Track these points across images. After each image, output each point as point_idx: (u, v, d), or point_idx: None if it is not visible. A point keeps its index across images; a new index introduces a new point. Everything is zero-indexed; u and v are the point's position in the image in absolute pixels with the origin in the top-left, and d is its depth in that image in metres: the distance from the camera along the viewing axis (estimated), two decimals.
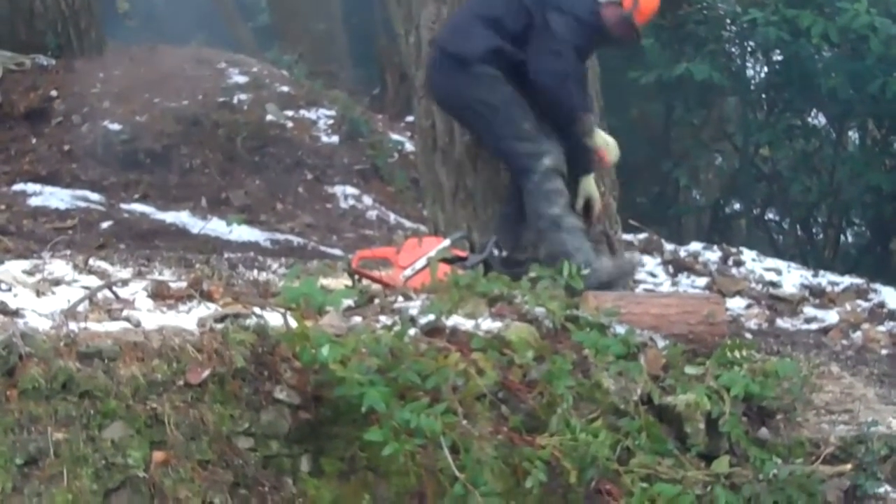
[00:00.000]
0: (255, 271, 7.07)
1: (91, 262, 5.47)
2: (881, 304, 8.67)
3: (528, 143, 6.50)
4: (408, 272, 6.24)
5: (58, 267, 5.23)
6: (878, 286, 9.15)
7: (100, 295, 4.79)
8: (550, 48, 6.40)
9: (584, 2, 6.53)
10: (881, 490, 5.05)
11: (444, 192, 7.18)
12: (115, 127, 10.90)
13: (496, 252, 6.52)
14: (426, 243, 6.40)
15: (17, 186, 10.00)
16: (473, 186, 7.04)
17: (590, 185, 6.85)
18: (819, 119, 14.48)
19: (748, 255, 10.00)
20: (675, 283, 9.17)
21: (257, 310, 4.76)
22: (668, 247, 10.15)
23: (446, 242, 6.42)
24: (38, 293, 4.76)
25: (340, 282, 5.97)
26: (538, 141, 6.50)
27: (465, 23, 6.69)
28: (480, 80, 6.55)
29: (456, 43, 6.65)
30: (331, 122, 12.12)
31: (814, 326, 8.28)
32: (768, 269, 9.62)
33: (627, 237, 9.23)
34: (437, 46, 6.79)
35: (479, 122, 6.72)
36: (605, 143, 6.60)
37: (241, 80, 11.85)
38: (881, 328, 8.12)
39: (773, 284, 9.25)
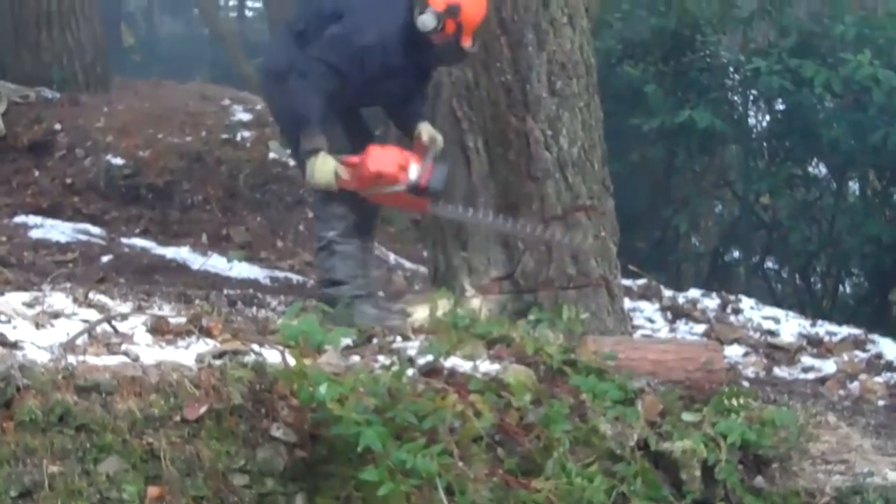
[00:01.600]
0: (255, 308, 7.07)
1: (91, 295, 5.48)
2: (879, 355, 8.65)
3: None
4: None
5: (58, 300, 5.24)
6: (876, 337, 9.14)
7: (99, 329, 4.80)
8: (309, 52, 6.36)
9: (365, 23, 6.45)
10: None
11: (445, 234, 7.20)
12: (118, 161, 10.89)
13: None
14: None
15: (19, 218, 9.99)
16: (472, 228, 7.05)
17: (429, 127, 6.73)
18: (820, 169, 14.48)
19: (747, 302, 9.99)
20: (673, 330, 9.16)
21: (256, 347, 4.77)
22: (667, 293, 10.14)
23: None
24: (38, 325, 4.77)
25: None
26: None
27: (279, 37, 6.83)
28: (284, 93, 6.55)
29: (268, 57, 6.83)
30: None
31: (811, 376, 8.26)
32: (766, 318, 9.61)
33: (626, 282, 9.22)
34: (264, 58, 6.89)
35: (290, 134, 6.77)
36: (314, 170, 6.34)
37: (245, 117, 11.85)
38: (878, 379, 8.10)
39: (771, 333, 9.24)
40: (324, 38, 6.37)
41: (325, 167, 6.34)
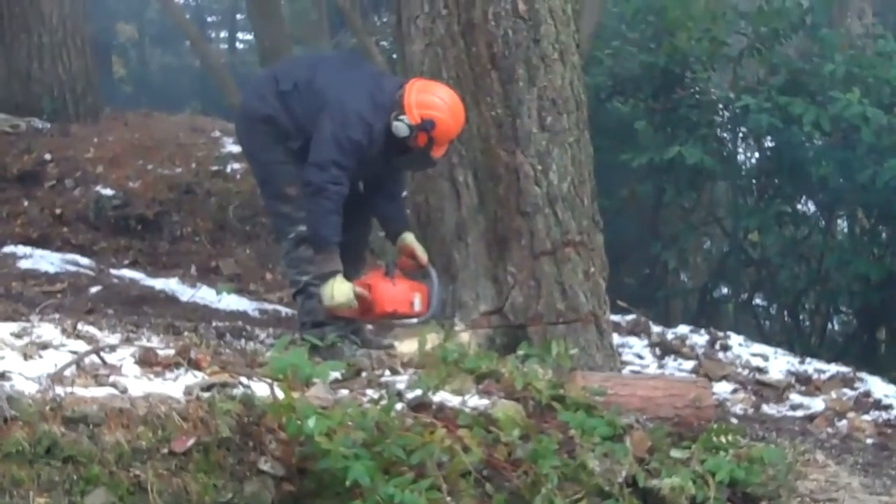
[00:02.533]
0: (243, 340, 7.07)
1: (79, 326, 5.47)
2: (867, 394, 8.66)
3: (288, 206, 6.54)
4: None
5: (46, 330, 5.22)
6: (864, 375, 9.15)
7: (87, 360, 4.78)
8: (311, 160, 6.42)
9: (353, 114, 6.48)
10: None
11: (435, 266, 7.20)
12: (108, 192, 10.91)
13: None
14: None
15: (8, 248, 9.99)
16: (462, 262, 7.06)
17: (412, 239, 6.85)
18: (809, 206, 14.53)
19: (735, 339, 10.00)
20: (661, 366, 9.16)
21: (244, 380, 4.76)
22: (656, 329, 10.15)
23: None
24: (26, 356, 4.75)
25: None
26: (299, 207, 6.50)
27: (261, 86, 6.76)
28: (258, 136, 6.63)
29: (247, 102, 6.80)
30: None
31: (799, 413, 8.26)
32: (755, 355, 9.61)
33: (615, 318, 9.22)
34: (248, 91, 6.89)
35: (257, 175, 6.90)
36: (331, 295, 6.41)
37: (235, 149, 11.84)
38: (867, 417, 8.11)
39: (760, 370, 9.24)
40: (326, 140, 6.38)
41: (342, 288, 6.42)
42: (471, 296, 7.04)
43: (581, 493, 4.78)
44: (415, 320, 6.68)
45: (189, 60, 24.82)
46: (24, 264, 9.58)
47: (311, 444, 4.29)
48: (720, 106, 13.93)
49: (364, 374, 5.60)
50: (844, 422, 8.00)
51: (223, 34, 28.53)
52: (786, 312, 14.98)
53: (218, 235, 10.72)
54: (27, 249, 9.96)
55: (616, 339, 8.30)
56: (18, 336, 5.06)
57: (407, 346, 6.38)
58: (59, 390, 4.26)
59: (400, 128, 6.45)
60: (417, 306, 6.66)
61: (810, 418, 8.12)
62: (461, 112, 6.66)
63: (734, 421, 7.30)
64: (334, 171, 6.37)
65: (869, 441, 7.59)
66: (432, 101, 6.52)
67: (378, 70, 7.10)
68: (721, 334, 10.11)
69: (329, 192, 6.36)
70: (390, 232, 6.91)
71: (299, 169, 6.47)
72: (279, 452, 4.39)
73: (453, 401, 4.97)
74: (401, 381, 5.26)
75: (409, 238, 6.83)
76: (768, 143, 14.19)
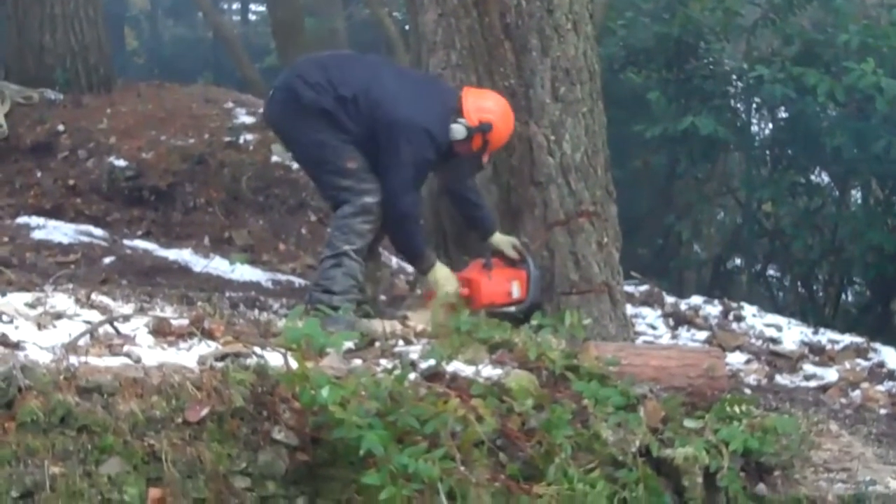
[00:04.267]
0: (257, 311, 7.07)
1: (93, 296, 5.48)
2: (881, 364, 8.65)
3: (350, 179, 6.56)
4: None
5: (60, 301, 5.23)
6: (877, 346, 9.14)
7: (101, 330, 4.80)
8: (393, 186, 6.52)
9: (424, 133, 6.55)
10: None
11: (447, 238, 7.20)
12: (121, 163, 10.89)
13: None
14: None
15: (21, 219, 9.99)
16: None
17: (502, 238, 6.94)
18: (822, 177, 14.51)
19: (749, 310, 9.99)
20: (675, 336, 9.16)
21: (258, 349, 4.76)
22: (669, 299, 10.14)
23: None
24: (40, 326, 4.77)
25: None
26: (361, 179, 6.55)
27: (311, 82, 6.64)
28: (308, 120, 6.61)
29: (301, 87, 6.66)
30: None
31: (813, 384, 8.26)
32: (769, 325, 9.61)
33: (628, 288, 9.22)
34: (295, 75, 6.80)
35: (306, 155, 6.86)
36: (436, 282, 6.62)
37: (248, 120, 11.83)
38: (880, 388, 8.10)
39: (773, 341, 9.24)
40: (404, 164, 6.49)
41: (445, 273, 6.66)
42: None
43: (594, 462, 4.78)
44: (513, 308, 6.74)
45: (202, 32, 24.76)
46: (37, 235, 9.58)
47: (324, 414, 4.29)
48: (734, 76, 13.91)
49: (377, 343, 5.60)
50: (858, 392, 8.00)
51: (235, 5, 28.42)
52: (799, 283, 14.98)
53: (231, 206, 10.70)
54: (41, 220, 9.96)
55: (629, 309, 8.30)
56: (33, 306, 5.08)
57: (420, 317, 6.38)
58: (74, 360, 4.27)
59: (458, 130, 6.57)
60: (516, 294, 6.81)
61: (824, 388, 8.12)
62: (511, 118, 6.78)
63: (747, 391, 7.29)
64: (413, 194, 6.59)
65: (882, 411, 7.59)
66: (488, 105, 6.68)
67: (430, 76, 7.08)
68: (734, 305, 10.10)
69: (413, 214, 6.61)
70: (479, 235, 6.98)
71: (353, 145, 6.53)
72: (293, 422, 4.39)
73: (467, 371, 4.97)
74: (414, 351, 5.26)
75: (496, 238, 6.92)
76: (782, 114, 14.17)
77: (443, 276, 6.63)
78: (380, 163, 6.54)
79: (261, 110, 11.53)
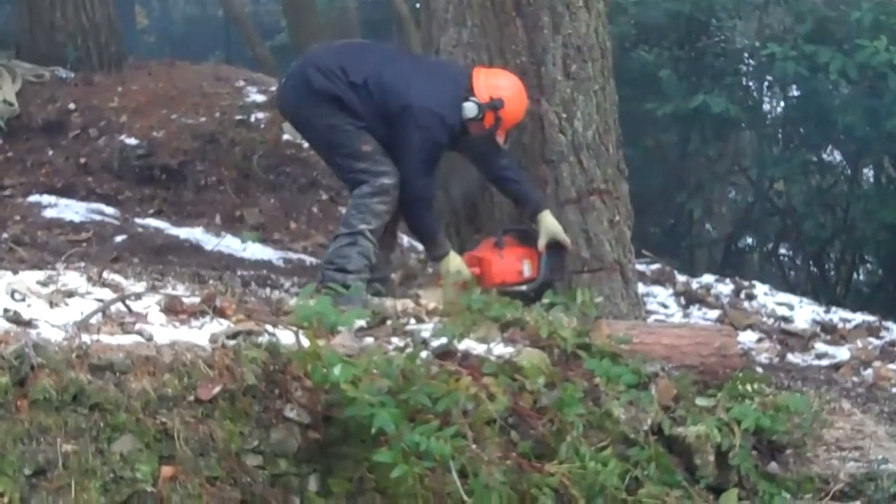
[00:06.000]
0: (268, 289, 7.08)
1: (105, 274, 5.47)
2: (893, 343, 8.65)
3: (366, 162, 6.58)
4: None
5: (72, 279, 5.23)
6: (889, 324, 9.14)
7: (113, 308, 4.79)
8: (406, 170, 6.55)
9: (434, 117, 6.56)
10: None
11: (459, 217, 7.20)
12: (132, 141, 10.89)
13: None
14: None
15: (33, 198, 10.01)
16: (487, 211, 7.05)
17: (549, 221, 6.84)
18: (834, 155, 14.48)
19: (760, 288, 9.99)
20: (686, 315, 9.16)
21: (269, 328, 4.76)
22: (681, 278, 10.14)
23: None
24: (52, 304, 4.77)
25: None
26: (377, 162, 6.57)
27: (322, 67, 6.67)
28: (322, 106, 6.64)
29: (314, 74, 6.66)
30: None
31: (825, 362, 8.26)
32: (780, 304, 9.61)
33: (640, 267, 9.22)
34: (306, 62, 6.80)
35: (320, 139, 6.86)
36: (447, 273, 6.61)
37: (259, 98, 11.83)
38: (892, 366, 8.10)
39: (785, 319, 9.24)
40: (417, 149, 6.52)
41: (457, 262, 6.66)
42: None
43: (606, 440, 4.78)
44: (524, 287, 6.71)
45: (212, 10, 24.72)
46: (49, 213, 9.60)
47: (336, 392, 4.29)
48: (746, 54, 13.88)
49: (389, 322, 5.60)
50: (870, 370, 8.00)
51: None
52: (811, 262, 14.96)
53: (242, 185, 10.70)
54: (52, 198, 9.98)
55: (641, 288, 8.30)
56: (45, 284, 5.08)
57: (432, 295, 6.38)
58: (86, 338, 4.26)
59: (469, 108, 6.57)
60: (527, 272, 6.79)
61: (836, 367, 8.12)
62: (525, 96, 6.76)
63: (759, 370, 7.29)
64: (426, 178, 6.61)
65: (894, 390, 7.58)
66: (499, 82, 6.67)
67: (442, 60, 7.09)
68: (746, 283, 10.10)
69: (425, 196, 6.64)
70: (527, 213, 6.93)
71: (366, 130, 6.56)
72: (305, 400, 4.39)
73: (478, 349, 4.96)
74: (426, 329, 5.25)
75: (545, 218, 6.83)
76: (794, 92, 14.13)
77: (455, 267, 6.62)
78: (394, 146, 6.55)
79: (272, 88, 11.58)
